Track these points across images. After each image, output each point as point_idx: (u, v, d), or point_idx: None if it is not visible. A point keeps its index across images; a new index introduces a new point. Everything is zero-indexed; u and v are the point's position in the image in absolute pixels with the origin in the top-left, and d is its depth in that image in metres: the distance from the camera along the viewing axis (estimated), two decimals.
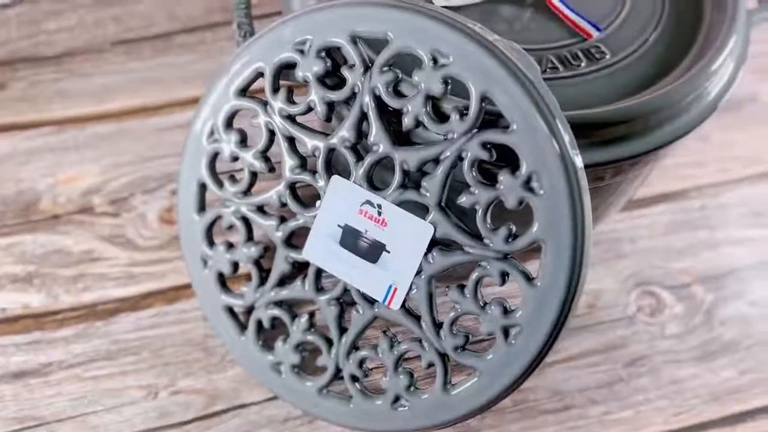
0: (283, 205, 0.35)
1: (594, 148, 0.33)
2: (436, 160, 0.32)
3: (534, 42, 0.37)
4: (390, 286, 0.34)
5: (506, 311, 0.32)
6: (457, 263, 0.32)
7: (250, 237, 0.37)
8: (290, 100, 0.34)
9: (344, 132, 0.33)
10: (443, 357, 0.34)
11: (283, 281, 0.36)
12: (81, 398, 0.39)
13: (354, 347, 0.36)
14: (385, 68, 0.32)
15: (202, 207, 0.37)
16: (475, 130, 0.31)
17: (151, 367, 0.40)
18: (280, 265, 0.36)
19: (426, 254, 0.33)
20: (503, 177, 0.31)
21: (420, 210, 0.33)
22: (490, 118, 0.31)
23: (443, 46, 0.31)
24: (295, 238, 0.36)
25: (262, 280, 0.37)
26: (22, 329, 0.41)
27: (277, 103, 0.34)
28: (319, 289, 0.36)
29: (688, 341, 0.42)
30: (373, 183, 0.33)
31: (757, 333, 0.42)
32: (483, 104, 0.31)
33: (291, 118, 0.34)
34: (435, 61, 0.31)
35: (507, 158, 0.31)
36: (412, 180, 0.33)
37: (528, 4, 0.39)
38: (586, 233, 0.30)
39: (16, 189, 0.46)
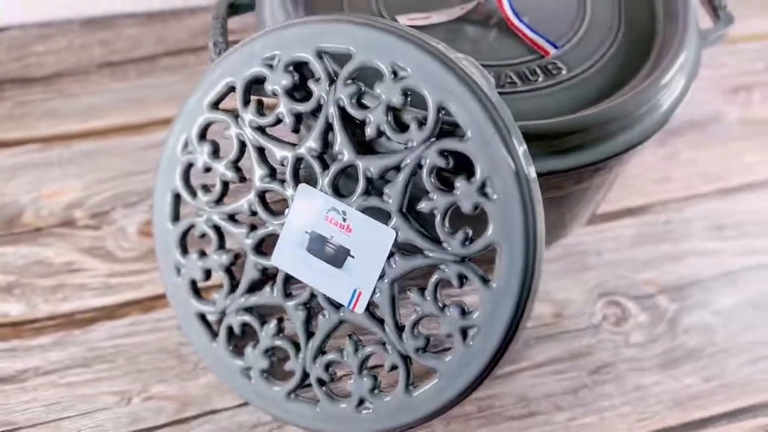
0: (253, 213, 0.37)
1: (550, 156, 0.35)
2: (398, 168, 0.33)
3: (495, 59, 0.39)
4: (354, 291, 0.35)
5: (464, 312, 0.33)
6: (418, 267, 0.34)
7: (221, 245, 0.38)
8: (260, 112, 0.36)
9: (311, 142, 0.35)
10: (405, 359, 0.35)
11: (253, 288, 0.37)
12: (55, 404, 0.39)
13: (321, 351, 0.36)
14: (349, 81, 0.34)
15: (176, 216, 0.39)
16: (433, 139, 0.33)
17: (125, 374, 0.41)
18: (249, 272, 0.37)
19: (388, 259, 0.34)
20: (459, 183, 0.32)
21: (383, 216, 0.34)
22: (448, 128, 0.33)
23: (402, 60, 0.32)
24: (265, 246, 0.37)
25: (233, 287, 0.38)
26: (0, 337, 0.42)
27: (248, 115, 0.36)
28: (288, 294, 0.37)
29: (652, 349, 0.43)
30: (339, 190, 0.35)
31: (720, 341, 0.43)
32: (440, 114, 0.32)
33: (261, 130, 0.36)
34: (395, 74, 0.33)
35: (464, 166, 0.32)
36: (375, 187, 0.34)
37: (492, 24, 0.41)
38: (538, 236, 0.32)
39: (0, 203, 0.47)
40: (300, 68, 0.35)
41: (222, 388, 0.40)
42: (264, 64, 0.35)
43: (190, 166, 0.38)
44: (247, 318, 0.38)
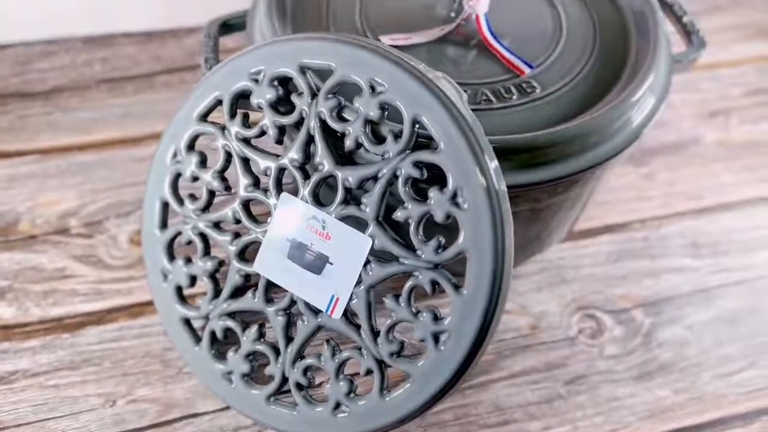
0: (237, 221, 0.38)
1: (525, 169, 0.37)
2: (375, 178, 0.35)
3: (473, 78, 0.40)
4: (332, 297, 0.36)
5: (436, 318, 0.34)
6: (393, 273, 0.35)
7: (207, 252, 0.39)
8: (246, 125, 0.38)
9: (293, 153, 0.36)
10: (380, 363, 0.36)
11: (236, 293, 0.39)
12: (42, 405, 0.40)
13: (299, 356, 0.38)
14: (330, 95, 0.35)
15: (164, 224, 0.40)
16: (408, 151, 0.34)
17: (111, 377, 0.42)
18: (232, 278, 0.39)
19: (365, 266, 0.35)
20: (433, 193, 0.34)
21: (360, 224, 0.35)
22: (423, 141, 0.34)
23: (379, 76, 0.34)
24: (248, 253, 0.38)
25: (217, 293, 0.39)
26: None
27: (234, 127, 0.37)
28: (269, 300, 0.38)
29: (626, 362, 0.44)
30: (319, 200, 0.36)
31: (692, 355, 0.44)
32: (415, 127, 0.34)
33: (246, 141, 0.38)
34: (372, 88, 0.34)
35: (438, 177, 0.34)
36: (354, 197, 0.36)
37: (472, 45, 0.42)
38: (506, 245, 0.33)
39: None
40: (284, 83, 0.37)
41: (205, 392, 0.41)
42: (250, 78, 0.37)
43: (178, 175, 0.39)
44: (229, 323, 0.39)
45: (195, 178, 0.39)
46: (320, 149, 0.36)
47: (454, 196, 0.33)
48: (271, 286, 0.38)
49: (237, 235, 0.38)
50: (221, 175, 0.38)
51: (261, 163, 0.37)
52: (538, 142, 0.36)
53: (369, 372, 0.36)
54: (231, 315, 0.39)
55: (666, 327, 0.45)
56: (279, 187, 0.37)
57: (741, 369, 0.44)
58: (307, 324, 0.37)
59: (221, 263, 0.39)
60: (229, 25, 0.44)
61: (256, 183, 0.38)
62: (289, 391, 0.38)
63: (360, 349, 0.36)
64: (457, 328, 0.34)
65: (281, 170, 0.37)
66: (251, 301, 0.38)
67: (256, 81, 0.37)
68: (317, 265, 0.36)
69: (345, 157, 0.36)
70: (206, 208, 0.39)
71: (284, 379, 0.38)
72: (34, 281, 0.46)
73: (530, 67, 0.40)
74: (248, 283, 0.39)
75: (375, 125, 0.35)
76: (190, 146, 0.39)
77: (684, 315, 0.46)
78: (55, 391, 0.41)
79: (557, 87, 0.40)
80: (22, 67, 0.57)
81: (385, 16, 0.43)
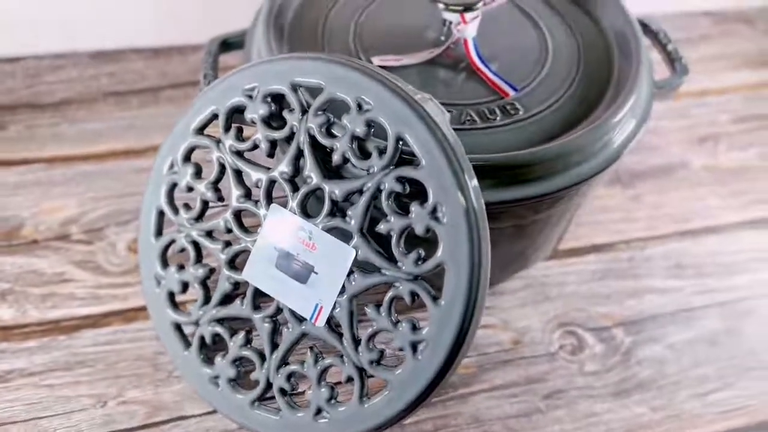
0: (229, 230, 0.40)
1: (504, 187, 0.38)
2: (360, 192, 0.36)
3: (460, 99, 0.42)
4: (317, 305, 0.37)
5: (415, 328, 0.36)
6: (375, 284, 0.36)
7: (199, 259, 0.41)
8: (239, 138, 0.39)
9: (283, 166, 0.38)
10: (360, 371, 0.37)
11: (225, 300, 0.40)
12: (36, 403, 0.42)
13: (284, 362, 0.39)
14: (319, 112, 0.37)
15: (159, 231, 0.42)
16: (392, 167, 0.36)
17: (104, 378, 0.43)
18: (222, 285, 0.40)
19: (348, 276, 0.37)
20: (414, 207, 0.35)
21: (345, 236, 0.37)
22: (406, 157, 0.36)
23: (366, 94, 0.36)
24: (238, 261, 0.40)
25: (207, 299, 0.41)
26: None
27: (228, 140, 0.39)
28: (256, 307, 0.39)
29: (605, 378, 0.45)
30: (307, 211, 0.38)
31: (671, 374, 0.45)
32: (398, 144, 0.35)
33: (239, 154, 0.39)
34: (359, 106, 0.36)
35: (419, 192, 0.35)
36: (340, 209, 0.37)
37: (460, 68, 0.44)
38: (483, 258, 0.34)
39: (1, 216, 0.51)
40: (277, 99, 0.38)
41: (193, 396, 0.42)
42: (245, 94, 0.39)
43: (174, 185, 0.41)
44: (218, 329, 0.40)
45: (190, 189, 0.40)
46: (309, 163, 0.37)
47: (434, 210, 0.35)
48: (258, 294, 0.39)
49: (228, 244, 0.40)
50: (215, 186, 0.40)
51: (253, 175, 0.39)
52: (518, 160, 0.38)
53: (350, 379, 0.37)
54: (220, 321, 0.40)
55: (646, 345, 0.46)
56: (269, 199, 0.39)
57: (717, 389, 0.45)
58: (292, 331, 0.38)
59: (212, 271, 0.41)
60: (229, 44, 0.46)
61: (247, 194, 0.39)
62: (273, 396, 0.39)
63: (342, 356, 0.37)
64: (434, 338, 0.35)
65: (272, 182, 0.38)
66: (239, 308, 0.40)
67: (251, 97, 0.38)
68: (303, 274, 0.38)
69: (332, 171, 0.38)
70: (200, 218, 0.41)
71: (269, 385, 0.39)
72: (34, 284, 0.47)
73: (514, 89, 0.42)
74: (237, 290, 0.40)
75: (361, 141, 0.36)
76: (187, 158, 0.41)
77: (665, 334, 0.47)
78: (49, 390, 0.42)
79: (541, 108, 0.42)
80: (32, 80, 0.59)
81: (378, 38, 0.45)
